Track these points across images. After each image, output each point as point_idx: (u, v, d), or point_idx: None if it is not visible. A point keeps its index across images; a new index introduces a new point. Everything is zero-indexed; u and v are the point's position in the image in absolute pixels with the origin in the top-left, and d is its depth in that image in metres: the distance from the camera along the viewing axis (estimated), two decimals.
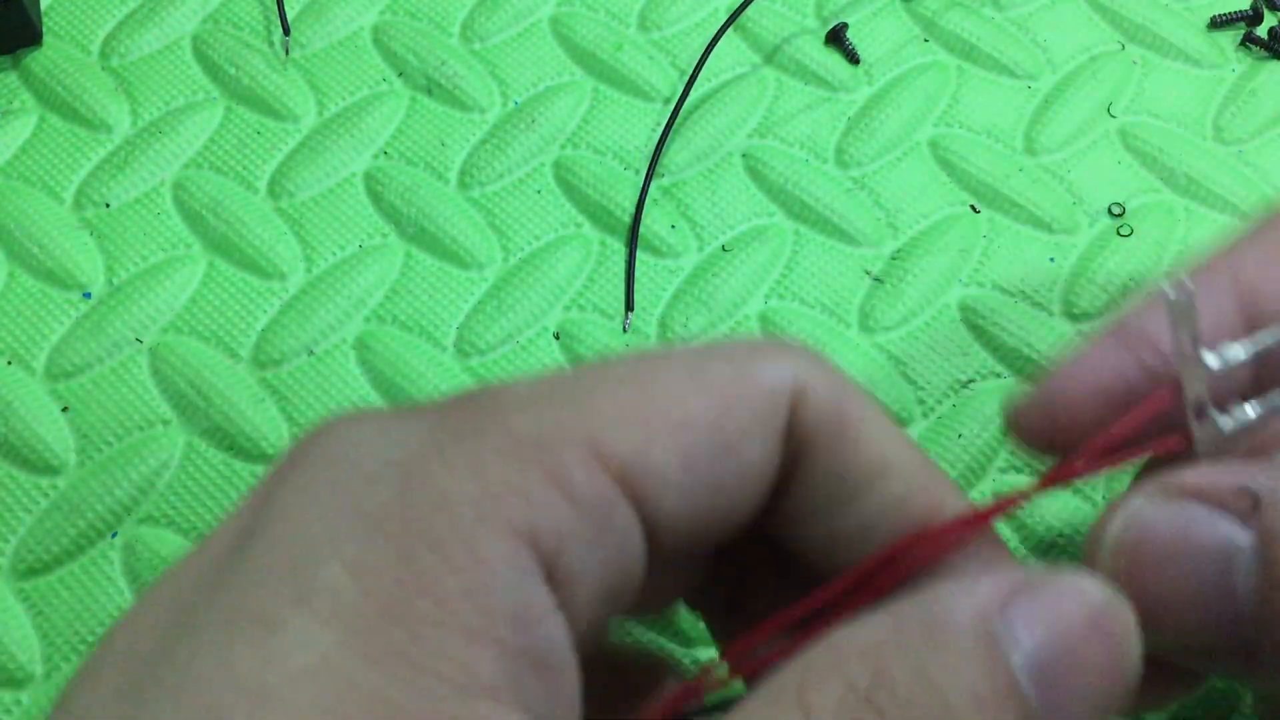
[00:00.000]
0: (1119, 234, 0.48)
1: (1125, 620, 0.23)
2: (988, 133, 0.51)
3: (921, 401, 0.44)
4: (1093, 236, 0.48)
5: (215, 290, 0.46)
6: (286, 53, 0.52)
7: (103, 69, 0.52)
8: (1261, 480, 0.23)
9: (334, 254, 0.47)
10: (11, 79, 0.51)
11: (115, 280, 0.46)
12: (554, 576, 0.21)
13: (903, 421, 0.44)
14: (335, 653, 0.19)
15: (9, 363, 0.45)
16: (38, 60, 0.52)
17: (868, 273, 0.47)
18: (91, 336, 0.45)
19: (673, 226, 0.48)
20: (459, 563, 0.20)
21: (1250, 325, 0.27)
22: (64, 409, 0.44)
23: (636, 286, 0.47)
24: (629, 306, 0.46)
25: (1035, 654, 0.22)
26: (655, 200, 0.49)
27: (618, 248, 0.48)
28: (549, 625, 0.21)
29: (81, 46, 0.52)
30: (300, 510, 0.21)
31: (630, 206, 0.48)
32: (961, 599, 0.23)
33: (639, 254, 0.47)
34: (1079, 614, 0.23)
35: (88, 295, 0.46)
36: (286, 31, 0.52)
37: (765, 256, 0.47)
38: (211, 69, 0.52)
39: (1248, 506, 0.23)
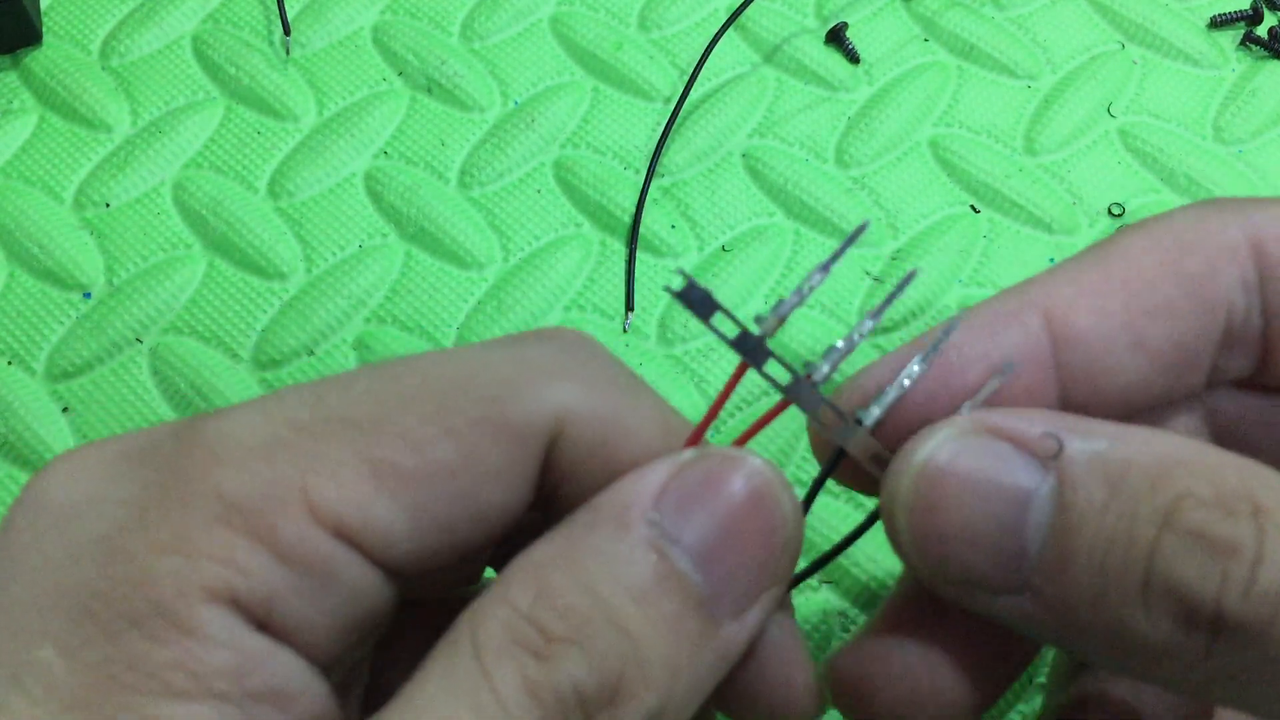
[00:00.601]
0: None
1: (778, 485, 0.24)
2: (988, 133, 0.51)
3: None
4: (1093, 237, 0.48)
5: (215, 290, 0.46)
6: (287, 52, 0.52)
7: (103, 69, 0.52)
8: (1066, 427, 0.24)
9: (334, 254, 0.47)
10: (11, 79, 0.51)
11: (115, 280, 0.46)
12: (270, 626, 0.22)
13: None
14: None
15: (9, 363, 0.45)
16: (37, 60, 0.52)
17: (868, 273, 0.47)
18: (91, 337, 0.45)
19: (673, 226, 0.48)
20: (163, 636, 0.21)
21: (1059, 350, 0.27)
22: (64, 409, 0.44)
23: (636, 286, 0.47)
24: (629, 306, 0.46)
25: (695, 536, 0.23)
26: (655, 200, 0.49)
27: (618, 248, 0.48)
28: (274, 665, 0.22)
29: (81, 46, 0.52)
30: (10, 588, 0.22)
31: (630, 206, 0.48)
32: (618, 494, 0.24)
33: (639, 254, 0.47)
34: (734, 489, 0.24)
35: (88, 295, 0.46)
36: (287, 31, 0.52)
37: (765, 256, 0.47)
38: (211, 69, 0.52)
39: (1051, 451, 0.23)
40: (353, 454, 0.23)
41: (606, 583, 0.23)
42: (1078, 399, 0.27)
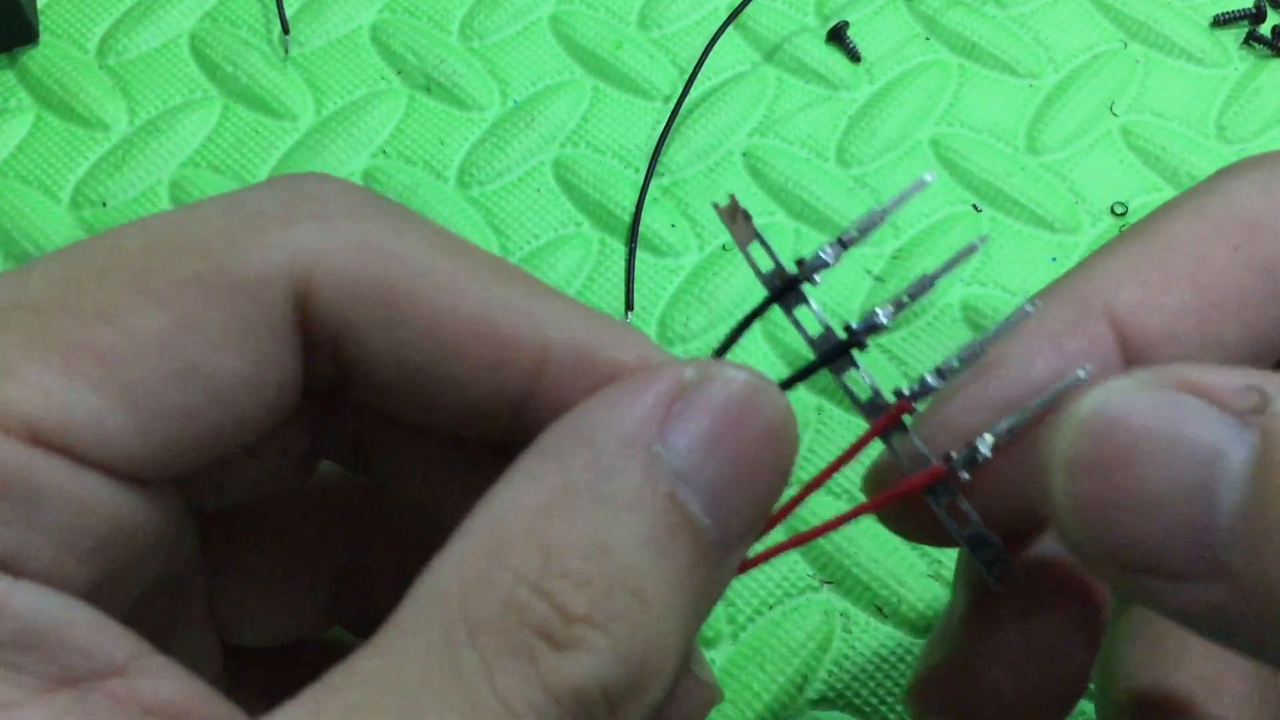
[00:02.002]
0: (1121, 233, 0.48)
1: (787, 410, 0.21)
2: (989, 131, 0.51)
3: (923, 403, 0.44)
4: (1095, 236, 0.48)
5: None
6: (286, 51, 0.52)
7: (100, 67, 0.52)
8: (1269, 382, 0.20)
9: None
10: (8, 77, 0.51)
11: None
12: None
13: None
14: None
15: None
16: (34, 59, 0.51)
17: (869, 272, 0.47)
18: None
19: (673, 225, 0.48)
20: None
21: (1130, 358, 0.24)
22: None
23: (636, 286, 0.46)
24: (629, 306, 0.46)
25: (707, 473, 0.20)
26: (655, 199, 0.48)
27: (617, 247, 0.47)
28: (14, 603, 0.19)
29: (78, 45, 0.52)
30: None
31: (630, 205, 0.48)
32: (614, 418, 0.20)
33: (639, 253, 0.47)
34: (752, 419, 0.21)
35: None
36: (285, 29, 0.52)
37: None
38: (209, 67, 0.52)
39: (1252, 405, 0.19)
40: (34, 340, 0.19)
41: (619, 536, 0.19)
42: None
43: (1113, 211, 0.48)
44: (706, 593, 0.21)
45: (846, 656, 0.39)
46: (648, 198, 0.48)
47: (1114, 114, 0.51)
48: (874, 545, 0.41)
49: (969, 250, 0.23)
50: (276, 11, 0.53)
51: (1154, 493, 0.19)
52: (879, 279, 0.46)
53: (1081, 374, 0.23)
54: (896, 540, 0.41)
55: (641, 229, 0.47)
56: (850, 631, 0.39)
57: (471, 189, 0.49)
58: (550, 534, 0.19)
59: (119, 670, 0.19)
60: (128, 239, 0.21)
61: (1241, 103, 0.51)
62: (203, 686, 0.20)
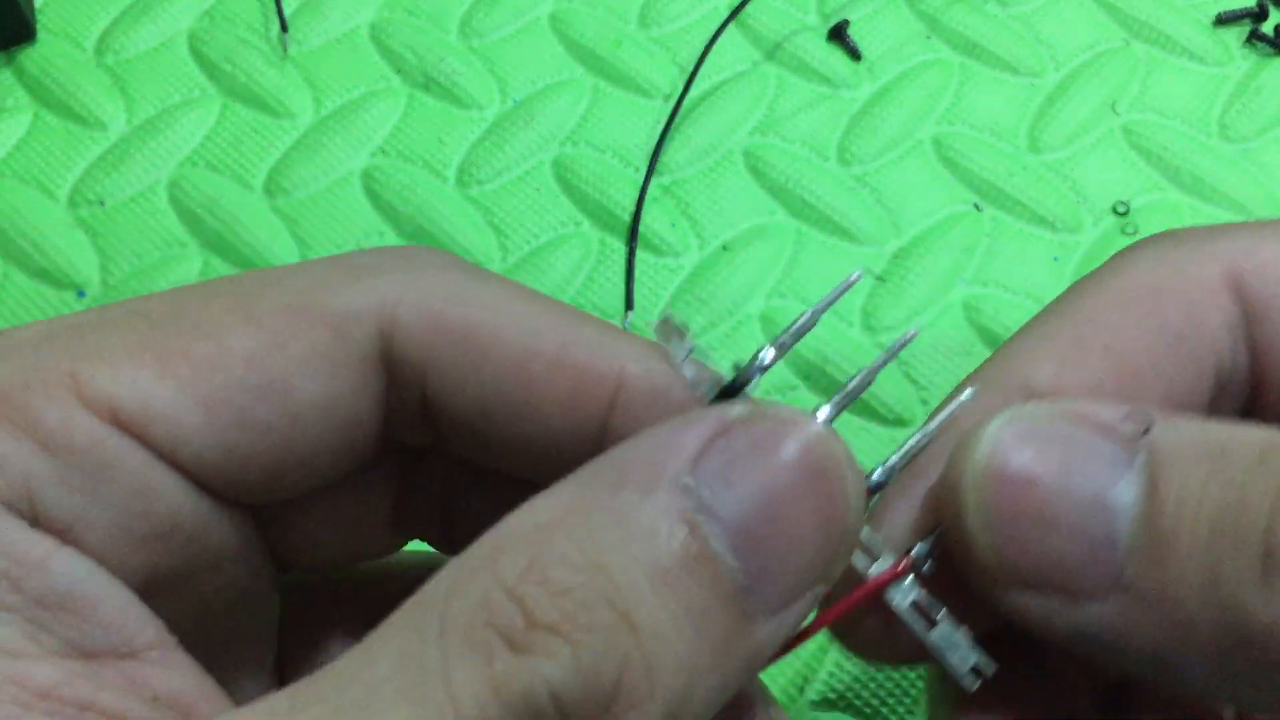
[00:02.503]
0: (1123, 233, 0.48)
1: (843, 457, 0.20)
2: (991, 130, 0.50)
3: (924, 401, 0.44)
4: (1097, 235, 0.48)
5: None
6: (285, 49, 0.52)
7: (98, 66, 0.51)
8: (1149, 411, 0.21)
9: (331, 252, 0.47)
10: (6, 76, 0.51)
11: (110, 279, 0.46)
12: (42, 522, 0.20)
13: (904, 421, 0.44)
14: None
15: None
16: (32, 57, 0.51)
17: (870, 271, 0.46)
18: None
19: (673, 225, 0.48)
20: None
21: None
22: None
23: (636, 285, 0.46)
24: (629, 305, 0.46)
25: (737, 511, 0.19)
26: (655, 198, 0.48)
27: (617, 246, 0.47)
28: (58, 565, 0.20)
29: (76, 43, 0.52)
30: None
31: (630, 205, 0.48)
32: (648, 447, 0.20)
33: (639, 252, 0.47)
34: (790, 458, 0.20)
35: (82, 294, 0.46)
36: (284, 28, 0.52)
37: (766, 255, 0.47)
38: (208, 66, 0.51)
39: (1139, 429, 0.21)
40: (135, 341, 0.21)
41: (619, 558, 0.19)
42: None
43: (1114, 210, 0.48)
44: (732, 644, 0.19)
45: (848, 657, 0.39)
46: (648, 197, 0.48)
47: (1116, 113, 0.51)
48: None
49: (847, 285, 0.23)
50: (275, 10, 0.52)
51: (1055, 519, 0.21)
52: (880, 278, 0.46)
53: (966, 395, 0.23)
54: None
55: (641, 228, 0.47)
56: None
57: (471, 188, 0.49)
58: (545, 544, 0.19)
59: (137, 654, 0.20)
60: (244, 277, 0.23)
61: (1243, 102, 0.51)
62: (214, 686, 0.21)
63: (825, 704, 0.38)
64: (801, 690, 0.38)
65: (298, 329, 0.22)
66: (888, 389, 0.44)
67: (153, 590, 0.21)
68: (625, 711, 0.18)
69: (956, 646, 0.22)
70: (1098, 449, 0.21)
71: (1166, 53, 0.53)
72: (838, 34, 0.52)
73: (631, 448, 0.20)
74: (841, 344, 0.45)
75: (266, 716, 0.18)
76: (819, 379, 0.44)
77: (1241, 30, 0.53)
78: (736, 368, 0.23)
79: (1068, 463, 0.21)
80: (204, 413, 0.21)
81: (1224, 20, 0.53)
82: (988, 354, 0.44)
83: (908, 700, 0.38)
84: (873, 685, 0.38)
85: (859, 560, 0.23)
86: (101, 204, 0.48)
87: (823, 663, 0.38)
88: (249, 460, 0.22)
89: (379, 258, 0.24)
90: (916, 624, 0.22)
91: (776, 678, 0.38)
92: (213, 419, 0.21)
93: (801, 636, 0.22)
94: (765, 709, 0.23)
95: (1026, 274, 0.47)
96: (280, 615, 0.26)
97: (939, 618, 0.23)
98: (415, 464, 0.26)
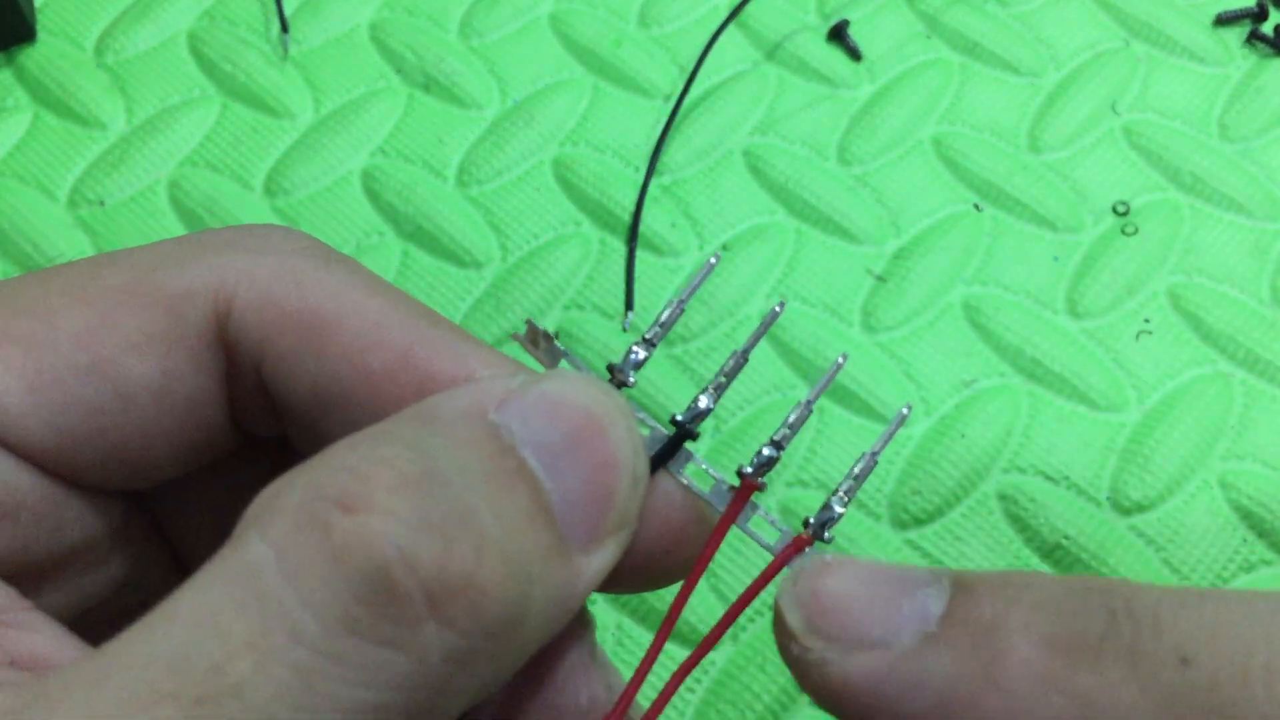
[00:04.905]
0: (1124, 233, 0.48)
1: (620, 416, 0.21)
2: (991, 130, 0.50)
3: (924, 401, 0.44)
4: (1097, 235, 0.48)
5: None
6: (285, 49, 0.52)
7: (97, 66, 0.51)
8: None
9: None
10: (5, 76, 0.51)
11: None
12: None
13: (905, 422, 0.43)
14: None
15: None
16: (32, 57, 0.51)
17: (870, 271, 0.46)
18: None
19: (673, 225, 0.48)
20: None
21: None
22: None
23: (636, 285, 0.46)
24: (629, 305, 0.46)
25: (542, 440, 0.19)
26: (655, 198, 0.48)
27: (617, 246, 0.47)
28: None
29: (76, 43, 0.52)
30: None
31: (630, 204, 0.48)
32: (446, 397, 0.20)
33: (639, 252, 0.47)
34: (577, 408, 0.20)
35: None
36: (284, 28, 0.52)
37: (766, 255, 0.47)
38: (207, 66, 0.51)
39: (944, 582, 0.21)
40: None
41: (447, 456, 0.18)
42: None
43: (1114, 211, 0.48)
44: (555, 566, 0.19)
45: None
46: (648, 197, 0.48)
47: (1116, 113, 0.51)
48: (874, 546, 0.41)
49: (772, 318, 0.24)
50: (275, 10, 0.52)
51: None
52: (880, 278, 0.46)
53: (905, 410, 0.23)
54: (898, 541, 0.41)
55: (641, 228, 0.47)
56: None
57: (471, 188, 0.48)
58: (373, 438, 0.18)
59: None
60: (87, 260, 0.22)
61: (1244, 102, 0.51)
62: (74, 641, 0.20)
63: None
64: (801, 690, 0.38)
65: (130, 308, 0.21)
66: (886, 388, 0.44)
67: (13, 571, 0.21)
68: (478, 595, 0.17)
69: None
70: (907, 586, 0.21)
71: (1166, 53, 0.53)
72: (838, 34, 0.52)
73: (434, 398, 0.20)
74: (841, 343, 0.45)
75: (110, 657, 0.17)
76: (818, 378, 0.44)
77: (1241, 30, 0.53)
78: (611, 368, 0.23)
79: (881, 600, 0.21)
80: (30, 393, 0.20)
81: (1224, 20, 0.53)
82: (988, 354, 0.45)
83: None
84: None
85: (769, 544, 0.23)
86: (101, 204, 0.48)
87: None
88: (84, 442, 0.21)
89: (227, 236, 0.23)
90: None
91: (776, 677, 0.38)
92: (40, 399, 0.20)
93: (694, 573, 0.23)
94: (600, 669, 0.23)
95: (1027, 274, 0.47)
96: None
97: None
98: (280, 453, 0.25)
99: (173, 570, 0.25)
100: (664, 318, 0.24)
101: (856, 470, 0.23)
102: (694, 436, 0.23)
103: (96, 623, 0.22)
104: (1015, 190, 0.49)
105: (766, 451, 0.23)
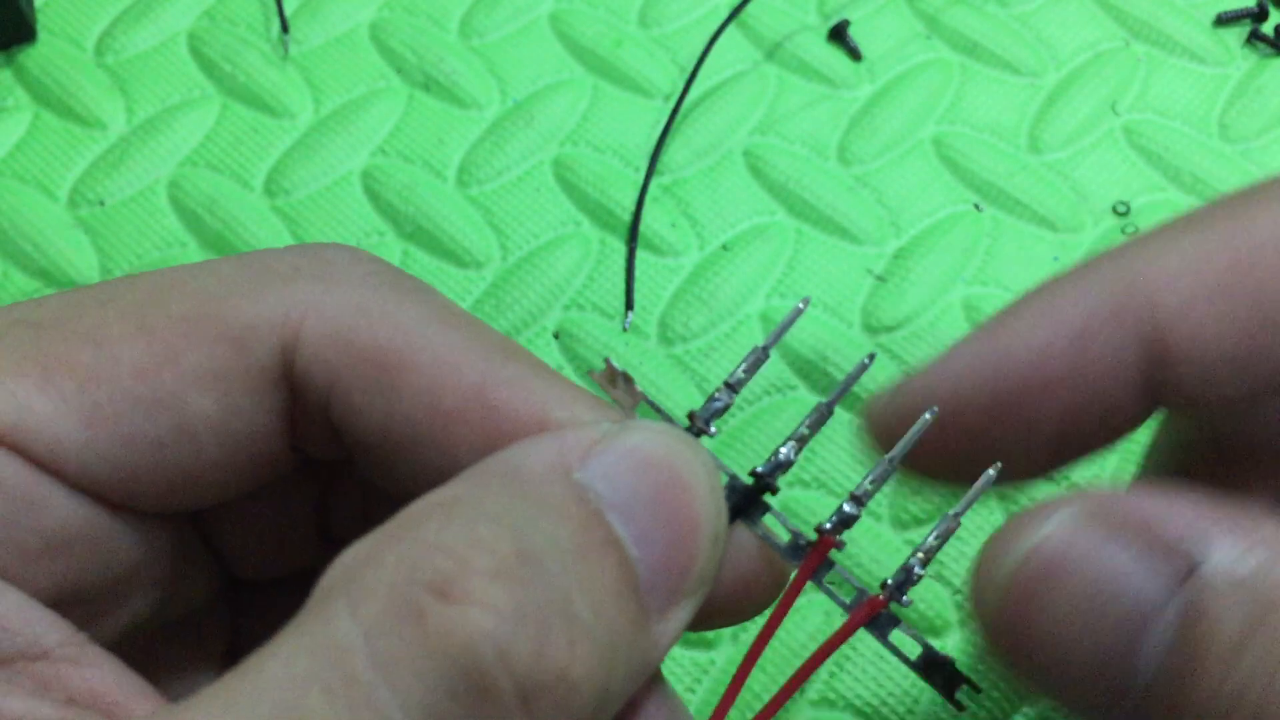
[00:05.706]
0: (1124, 233, 0.48)
1: (704, 475, 0.20)
2: (991, 130, 0.50)
3: None
4: (1097, 235, 0.48)
5: None
6: (285, 49, 0.52)
7: (97, 66, 0.51)
8: (1214, 526, 0.19)
9: None
10: (5, 76, 0.51)
11: (110, 279, 0.46)
12: None
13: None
14: None
15: None
16: (32, 57, 0.51)
17: (870, 271, 0.46)
18: None
19: (673, 225, 0.48)
20: None
21: (1151, 370, 0.23)
22: None
23: (636, 285, 0.46)
24: (629, 305, 0.46)
25: (628, 505, 0.19)
26: (655, 198, 0.48)
27: (617, 246, 0.47)
28: None
29: (76, 43, 0.52)
30: None
31: (630, 204, 0.48)
32: (529, 449, 0.19)
33: (639, 252, 0.47)
34: (664, 467, 0.20)
35: None
36: (284, 28, 0.52)
37: (767, 255, 0.47)
38: (207, 66, 0.51)
39: (1181, 569, 0.19)
40: (19, 351, 0.20)
41: (538, 538, 0.18)
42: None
43: (1115, 211, 0.48)
44: (639, 636, 0.19)
45: (848, 657, 0.39)
46: (648, 197, 0.48)
47: (1116, 113, 0.51)
48: (875, 546, 0.41)
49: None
50: (275, 10, 0.52)
51: (1077, 642, 0.19)
52: (880, 278, 0.46)
53: (992, 472, 0.23)
54: (898, 542, 0.41)
55: (642, 228, 0.47)
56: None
57: (471, 188, 0.48)
58: (464, 510, 0.18)
59: (46, 654, 0.19)
60: (142, 279, 0.21)
61: (1244, 102, 0.51)
62: (134, 679, 0.20)
63: (825, 704, 0.38)
64: (801, 690, 0.38)
65: (193, 341, 0.20)
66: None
67: (69, 601, 0.21)
68: (568, 680, 0.17)
69: (939, 668, 0.22)
70: (1140, 571, 0.19)
71: (1167, 53, 0.53)
72: (838, 34, 0.52)
73: (516, 450, 0.20)
74: (841, 344, 0.45)
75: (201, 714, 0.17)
76: (818, 378, 0.44)
77: (1241, 30, 0.53)
78: (691, 416, 0.22)
79: (1104, 588, 0.19)
80: (87, 426, 0.20)
81: (1224, 20, 0.53)
82: None
83: (908, 700, 0.38)
84: (873, 685, 0.38)
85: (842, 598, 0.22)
86: (101, 204, 0.48)
87: (823, 663, 0.38)
88: (141, 474, 0.21)
89: (293, 260, 0.22)
90: (898, 652, 0.22)
91: (776, 677, 0.38)
92: (97, 433, 0.20)
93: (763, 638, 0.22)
94: (668, 700, 0.22)
95: (1027, 274, 0.47)
96: (238, 620, 0.26)
97: (921, 642, 0.22)
98: (335, 474, 0.25)
99: (216, 578, 0.25)
100: (745, 366, 0.23)
101: (937, 533, 0.22)
102: (774, 491, 0.22)
103: (139, 636, 0.22)
104: (1015, 190, 0.49)
105: (847, 509, 0.22)
